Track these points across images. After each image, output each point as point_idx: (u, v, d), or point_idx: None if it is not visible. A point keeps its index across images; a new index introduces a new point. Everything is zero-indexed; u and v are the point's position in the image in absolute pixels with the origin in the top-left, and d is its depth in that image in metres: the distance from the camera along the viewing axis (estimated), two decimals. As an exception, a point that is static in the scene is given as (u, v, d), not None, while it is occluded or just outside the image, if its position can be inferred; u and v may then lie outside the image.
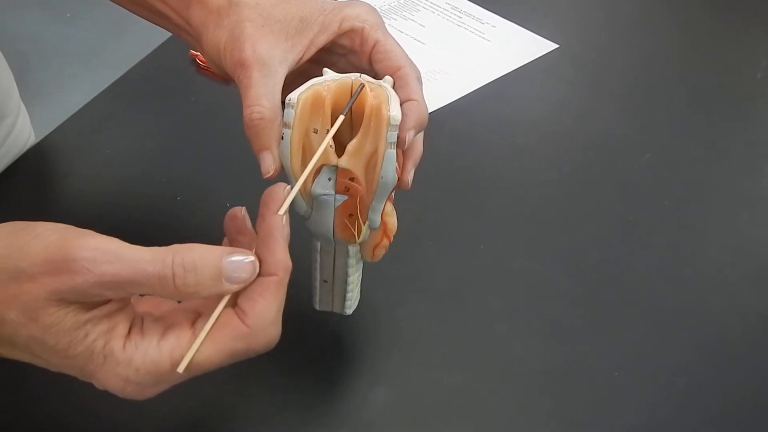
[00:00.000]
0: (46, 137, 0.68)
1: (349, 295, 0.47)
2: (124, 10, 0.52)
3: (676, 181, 0.64)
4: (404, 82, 0.43)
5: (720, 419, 0.48)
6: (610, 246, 0.59)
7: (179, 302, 0.38)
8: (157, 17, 0.49)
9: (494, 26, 0.81)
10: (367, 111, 0.40)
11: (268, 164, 0.42)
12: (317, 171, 0.41)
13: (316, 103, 0.41)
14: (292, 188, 0.37)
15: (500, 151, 0.67)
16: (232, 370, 0.48)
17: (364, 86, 0.41)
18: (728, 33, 0.83)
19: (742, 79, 0.76)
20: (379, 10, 0.83)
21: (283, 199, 0.36)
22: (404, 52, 0.44)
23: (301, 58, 0.44)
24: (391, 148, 0.40)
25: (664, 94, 0.74)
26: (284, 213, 0.36)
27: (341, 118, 0.40)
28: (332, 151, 0.41)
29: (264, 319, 0.35)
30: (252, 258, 0.35)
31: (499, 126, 0.70)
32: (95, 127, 0.69)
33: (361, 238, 0.43)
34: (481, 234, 0.59)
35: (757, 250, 0.59)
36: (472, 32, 0.80)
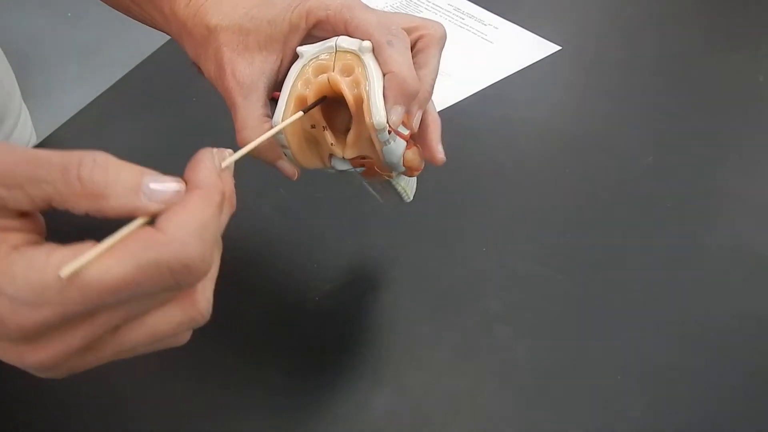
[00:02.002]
0: (47, 137, 0.68)
1: (402, 193, 0.49)
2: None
3: (678, 184, 0.64)
4: (376, 53, 0.41)
5: (720, 420, 0.48)
6: (613, 248, 0.58)
7: None
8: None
9: (496, 28, 0.81)
10: (351, 106, 0.40)
11: (287, 171, 0.44)
12: (329, 155, 0.43)
13: (300, 108, 0.41)
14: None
15: (503, 153, 0.67)
16: (230, 371, 0.48)
17: (325, 98, 0.41)
18: (731, 35, 0.83)
19: (745, 81, 0.76)
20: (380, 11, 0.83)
21: (210, 159, 0.32)
22: (374, 18, 0.41)
23: (281, 65, 0.44)
24: (386, 144, 0.41)
25: (667, 96, 0.74)
26: (224, 167, 0.32)
27: (299, 113, 0.40)
28: (336, 145, 0.42)
29: (183, 228, 0.28)
30: (179, 180, 0.30)
31: (501, 128, 0.70)
32: (96, 127, 0.69)
33: (392, 178, 0.46)
34: (483, 236, 0.59)
35: (759, 253, 0.58)
36: (474, 34, 0.80)
